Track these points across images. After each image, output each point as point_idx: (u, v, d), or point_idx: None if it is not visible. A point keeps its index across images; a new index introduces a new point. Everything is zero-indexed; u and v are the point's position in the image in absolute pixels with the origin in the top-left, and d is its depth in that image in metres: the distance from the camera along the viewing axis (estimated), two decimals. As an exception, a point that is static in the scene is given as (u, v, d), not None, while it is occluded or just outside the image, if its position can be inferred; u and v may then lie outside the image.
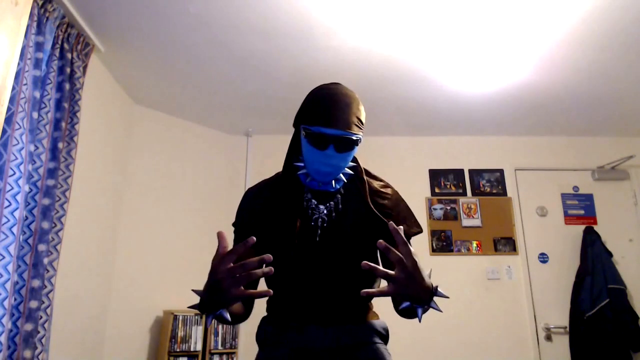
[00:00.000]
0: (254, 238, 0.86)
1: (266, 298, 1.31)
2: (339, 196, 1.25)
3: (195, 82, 3.13)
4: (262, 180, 1.36)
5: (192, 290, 1.02)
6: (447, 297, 1.01)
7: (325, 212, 1.23)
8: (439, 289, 0.98)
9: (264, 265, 0.97)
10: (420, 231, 1.29)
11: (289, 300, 1.23)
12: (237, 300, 0.93)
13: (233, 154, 3.93)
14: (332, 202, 1.24)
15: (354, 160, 1.29)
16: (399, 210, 1.28)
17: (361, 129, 1.17)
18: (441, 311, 1.00)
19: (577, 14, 2.37)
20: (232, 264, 0.90)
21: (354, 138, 1.15)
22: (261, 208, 1.27)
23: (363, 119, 1.19)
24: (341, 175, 1.23)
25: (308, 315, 1.20)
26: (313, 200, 1.24)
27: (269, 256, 0.87)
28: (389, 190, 1.31)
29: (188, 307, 1.07)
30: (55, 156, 2.24)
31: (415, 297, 0.95)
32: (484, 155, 3.92)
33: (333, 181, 1.23)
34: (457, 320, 3.46)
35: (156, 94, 3.32)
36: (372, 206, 1.24)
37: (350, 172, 1.26)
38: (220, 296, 0.92)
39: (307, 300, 1.20)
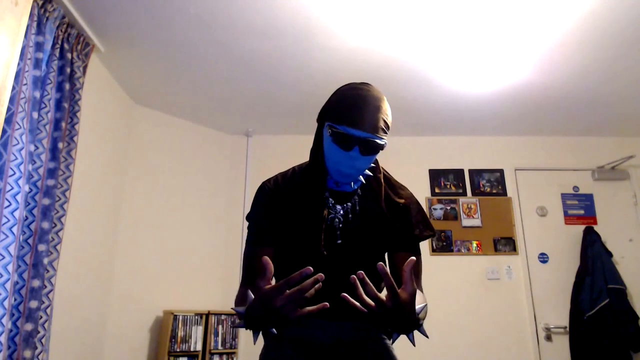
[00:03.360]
0: (311, 268, 0.85)
1: None
2: (356, 198, 1.25)
3: (195, 82, 3.13)
4: (278, 174, 1.32)
5: (234, 309, 1.05)
6: (427, 337, 1.04)
7: (341, 212, 1.23)
8: (423, 327, 1.01)
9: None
10: (433, 234, 1.29)
11: None
12: (298, 320, 0.94)
13: (233, 154, 3.93)
14: (349, 204, 1.23)
15: (374, 160, 1.27)
16: (413, 214, 1.27)
17: (387, 133, 1.15)
18: (427, 337, 1.05)
19: (577, 14, 2.37)
20: (287, 291, 0.89)
21: (380, 142, 1.13)
22: (281, 205, 1.24)
23: (390, 123, 1.17)
24: (360, 176, 1.22)
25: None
26: (330, 199, 1.23)
27: (309, 269, 0.86)
28: (404, 193, 1.30)
29: (231, 326, 1.11)
30: (55, 156, 2.24)
31: (393, 326, 0.96)
32: (484, 155, 3.92)
33: (351, 182, 1.22)
34: (457, 320, 3.46)
35: (156, 94, 3.32)
36: (385, 210, 1.23)
37: (369, 173, 1.25)
38: (282, 320, 0.92)
39: (317, 297, 1.21)
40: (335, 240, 1.20)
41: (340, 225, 1.21)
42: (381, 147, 1.14)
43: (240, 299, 1.12)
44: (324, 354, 1.19)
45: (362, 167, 1.17)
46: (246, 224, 1.33)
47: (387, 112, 1.16)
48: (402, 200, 1.27)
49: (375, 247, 1.25)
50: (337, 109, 1.14)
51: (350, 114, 1.10)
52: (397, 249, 1.26)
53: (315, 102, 3.40)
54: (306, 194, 1.23)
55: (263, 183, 1.31)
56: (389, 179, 1.31)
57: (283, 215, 1.23)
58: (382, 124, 1.12)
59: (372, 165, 1.26)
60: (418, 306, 0.98)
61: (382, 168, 1.31)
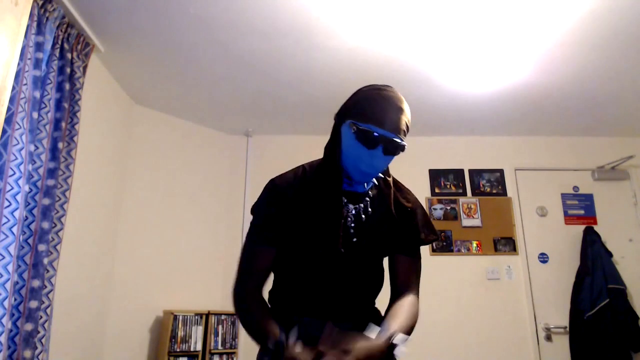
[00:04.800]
0: None
1: (268, 290, 1.31)
2: (368, 199, 1.25)
3: (195, 82, 3.13)
4: (288, 172, 1.28)
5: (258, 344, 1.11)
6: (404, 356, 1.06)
7: (354, 212, 1.23)
8: (397, 348, 1.03)
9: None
10: (437, 238, 1.32)
11: (300, 295, 1.23)
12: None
13: (233, 154, 3.93)
14: (361, 205, 1.24)
15: None
16: (419, 218, 1.30)
17: (406, 136, 1.17)
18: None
19: (576, 14, 2.37)
20: None
21: (403, 144, 1.14)
22: (294, 204, 1.21)
23: (410, 127, 1.19)
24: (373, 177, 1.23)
25: (317, 311, 1.21)
26: (343, 199, 1.23)
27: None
28: (411, 197, 1.32)
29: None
30: (55, 156, 2.24)
31: None
32: (484, 155, 3.92)
33: (366, 182, 1.23)
34: (457, 320, 3.46)
35: (156, 94, 3.32)
36: (394, 213, 1.25)
37: (380, 175, 1.26)
38: None
39: (320, 296, 1.21)
40: (350, 238, 1.20)
41: (353, 225, 1.22)
42: (402, 148, 1.15)
43: (257, 331, 1.13)
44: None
45: (380, 167, 1.18)
46: (246, 224, 1.33)
47: (409, 116, 1.18)
48: (410, 205, 1.29)
49: (383, 248, 1.26)
50: (362, 107, 1.15)
51: (376, 113, 1.12)
52: (399, 252, 1.28)
53: (316, 102, 3.41)
54: (322, 191, 1.21)
55: (274, 181, 1.26)
56: (397, 183, 1.33)
57: (295, 214, 1.20)
58: (404, 127, 1.15)
59: None
60: (387, 334, 1.03)
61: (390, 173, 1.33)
